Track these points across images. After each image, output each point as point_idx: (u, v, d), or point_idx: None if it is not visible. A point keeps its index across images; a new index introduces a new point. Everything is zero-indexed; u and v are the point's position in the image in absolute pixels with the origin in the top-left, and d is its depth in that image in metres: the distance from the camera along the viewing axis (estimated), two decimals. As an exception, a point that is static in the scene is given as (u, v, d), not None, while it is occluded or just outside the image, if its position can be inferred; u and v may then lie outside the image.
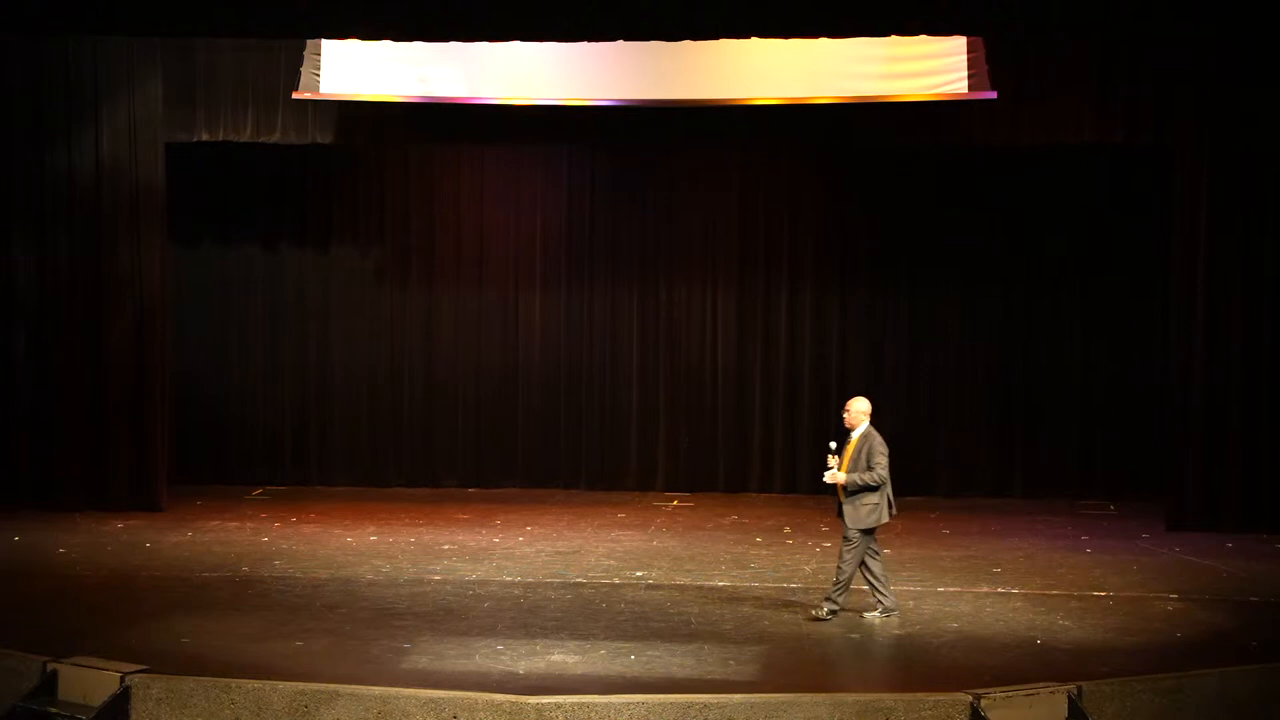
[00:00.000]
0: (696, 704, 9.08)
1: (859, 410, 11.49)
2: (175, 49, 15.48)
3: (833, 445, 11.41)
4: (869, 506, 11.30)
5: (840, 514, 11.42)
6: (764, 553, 13.97)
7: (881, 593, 11.46)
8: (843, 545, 11.42)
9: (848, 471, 11.29)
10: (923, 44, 14.55)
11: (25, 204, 15.87)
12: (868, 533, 11.34)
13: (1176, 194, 15.11)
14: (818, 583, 12.64)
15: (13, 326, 15.95)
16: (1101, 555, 13.93)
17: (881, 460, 11.28)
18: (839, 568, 11.42)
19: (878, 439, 11.38)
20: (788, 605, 11.86)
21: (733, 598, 12.12)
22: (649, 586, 12.55)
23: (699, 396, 17.58)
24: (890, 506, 11.39)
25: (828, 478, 11.33)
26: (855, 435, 11.42)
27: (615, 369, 17.77)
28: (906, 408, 17.34)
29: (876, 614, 11.41)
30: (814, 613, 11.41)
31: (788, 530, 15.09)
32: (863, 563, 11.42)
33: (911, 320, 17.40)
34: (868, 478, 11.25)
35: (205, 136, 15.72)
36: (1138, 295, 16.90)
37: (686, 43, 13.88)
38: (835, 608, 11.40)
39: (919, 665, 10.21)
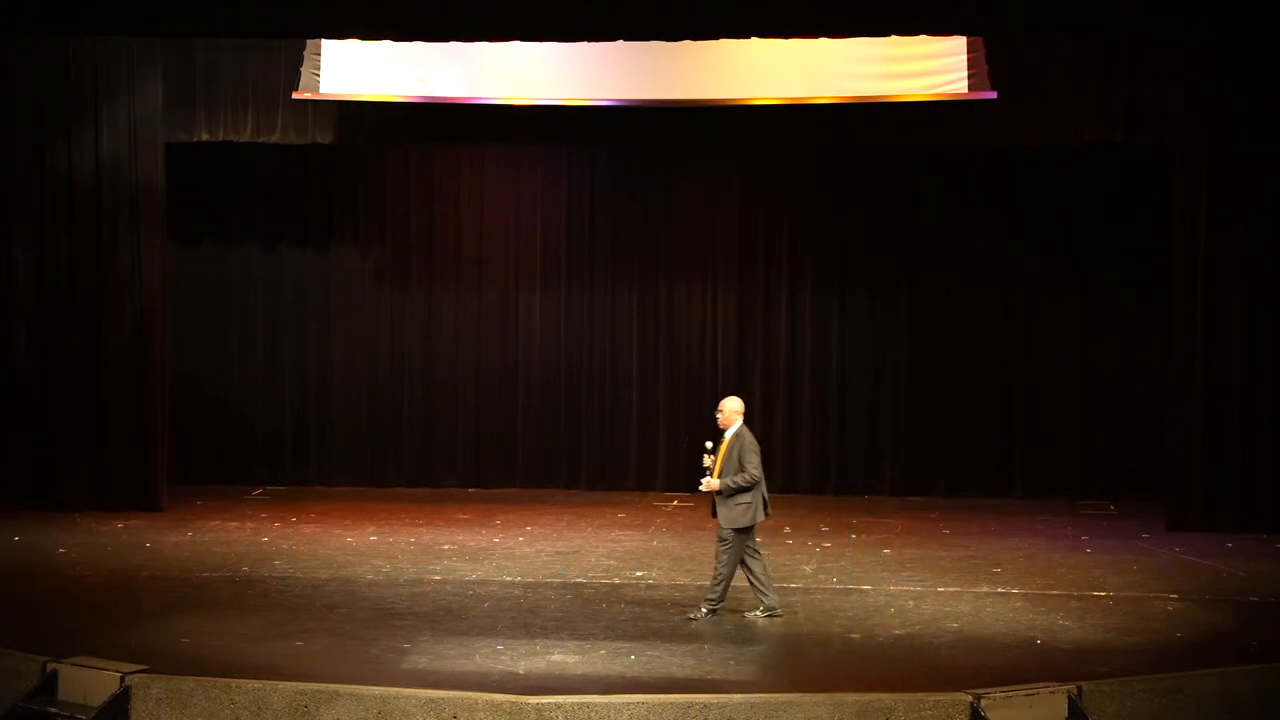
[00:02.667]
0: (696, 704, 9.08)
1: (732, 410, 11.51)
2: (175, 49, 15.48)
3: (709, 445, 11.40)
4: (742, 506, 11.33)
5: (715, 514, 11.44)
6: (764, 553, 13.90)
7: (763, 592, 11.48)
8: (718, 546, 11.42)
9: (721, 472, 11.31)
10: (923, 44, 14.55)
11: (25, 204, 15.87)
12: (742, 532, 11.36)
13: (1176, 194, 15.11)
14: (818, 582, 12.66)
15: (13, 326, 15.95)
16: (1101, 555, 13.94)
17: (753, 459, 11.32)
18: (716, 568, 11.45)
19: (749, 438, 11.42)
20: (787, 605, 11.85)
21: (733, 598, 12.09)
22: (649, 586, 12.55)
23: (699, 397, 17.54)
24: (765, 505, 11.44)
25: (703, 487, 11.33)
26: (728, 435, 11.43)
27: (615, 369, 17.78)
28: (906, 408, 17.37)
29: (759, 613, 11.42)
30: (691, 615, 11.41)
31: (788, 530, 15.08)
32: (743, 562, 11.44)
33: (911, 320, 17.40)
34: (739, 479, 11.28)
35: (205, 136, 15.71)
36: (1138, 295, 16.91)
37: (686, 43, 13.88)
38: (714, 607, 11.43)
39: (919, 665, 10.21)
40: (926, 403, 17.38)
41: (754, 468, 11.31)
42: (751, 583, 11.50)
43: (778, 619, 11.38)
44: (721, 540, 11.41)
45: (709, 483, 11.30)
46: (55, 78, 15.71)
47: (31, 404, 15.90)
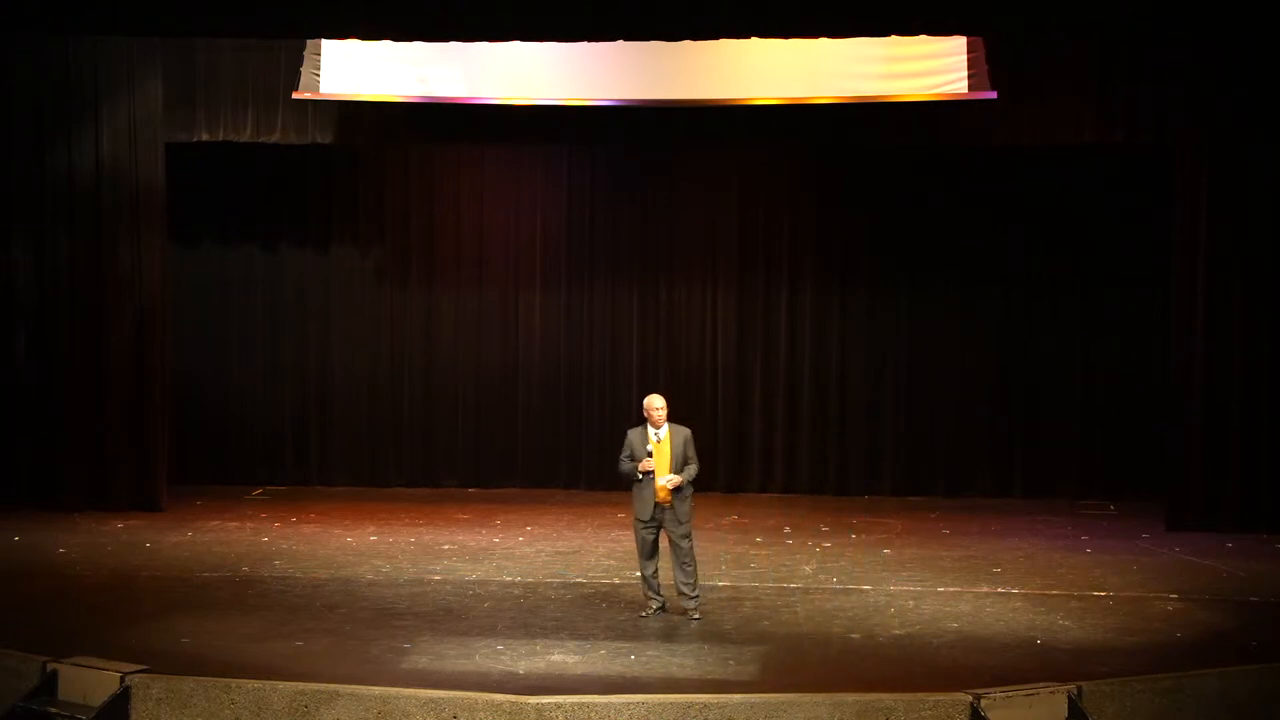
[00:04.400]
0: (696, 704, 9.08)
1: (665, 406, 11.53)
2: (175, 49, 15.47)
3: (650, 447, 11.38)
4: (690, 501, 11.49)
5: (655, 512, 11.35)
6: (764, 553, 13.97)
7: (657, 593, 11.58)
8: (678, 541, 11.41)
9: (672, 470, 11.36)
10: (923, 44, 14.55)
11: (25, 204, 15.86)
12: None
13: (1176, 194, 15.11)
14: (818, 582, 12.67)
15: (13, 326, 15.94)
16: (1101, 555, 13.94)
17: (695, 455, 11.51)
18: (686, 567, 11.47)
19: (689, 432, 11.53)
20: (787, 605, 11.87)
21: (733, 598, 12.12)
22: (649, 586, 12.56)
23: (699, 396, 17.56)
24: None
25: (669, 483, 11.29)
26: (665, 432, 11.45)
27: (615, 369, 17.76)
28: (906, 408, 17.36)
29: (651, 611, 11.52)
30: (694, 616, 11.43)
31: (788, 530, 15.09)
32: (648, 556, 11.48)
33: (911, 320, 17.39)
34: (692, 474, 11.42)
35: (205, 136, 15.71)
36: (1138, 295, 16.90)
37: (686, 43, 13.88)
38: (697, 601, 11.54)
39: (919, 665, 10.22)
40: (926, 403, 17.37)
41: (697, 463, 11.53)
42: (651, 580, 11.55)
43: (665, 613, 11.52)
44: (680, 541, 11.39)
45: (674, 479, 11.32)
46: (55, 78, 15.70)
47: (31, 404, 15.89)
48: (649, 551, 11.51)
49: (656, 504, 11.38)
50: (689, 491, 11.49)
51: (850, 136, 15.68)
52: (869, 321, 17.47)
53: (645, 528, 11.45)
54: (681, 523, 11.42)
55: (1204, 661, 10.09)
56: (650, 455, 11.35)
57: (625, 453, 11.50)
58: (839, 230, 17.45)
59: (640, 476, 11.36)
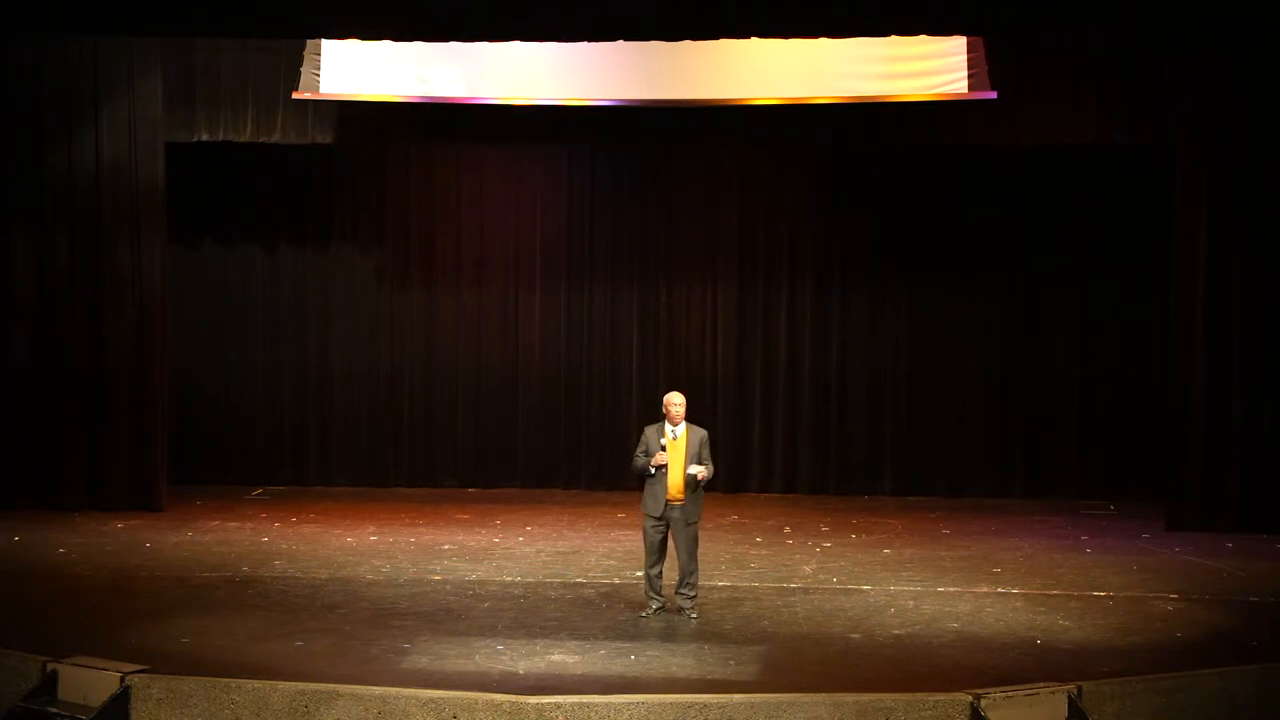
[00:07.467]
0: (696, 704, 9.08)
1: (684, 405, 11.55)
2: (175, 49, 15.47)
3: (663, 443, 11.41)
4: (701, 501, 11.55)
5: (664, 510, 11.35)
6: (764, 553, 13.97)
7: (657, 595, 11.58)
8: (684, 540, 11.43)
9: (688, 465, 11.38)
10: (923, 44, 14.55)
11: (25, 204, 15.86)
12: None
13: (1176, 194, 15.11)
14: (818, 582, 12.67)
15: (13, 326, 15.94)
16: (1101, 555, 13.94)
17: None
18: (689, 564, 11.50)
19: (705, 434, 11.55)
20: (787, 605, 11.87)
21: (733, 598, 12.12)
22: (649, 586, 12.55)
23: (699, 396, 17.47)
24: None
25: (696, 473, 11.31)
26: (681, 431, 11.47)
27: (615, 369, 17.76)
28: (906, 407, 17.36)
29: (652, 610, 11.54)
30: (692, 615, 11.45)
31: (788, 530, 15.09)
32: (660, 555, 11.51)
33: (911, 320, 17.40)
34: (707, 474, 11.45)
35: (205, 136, 15.71)
36: (1138, 295, 16.91)
37: (686, 43, 13.88)
38: (694, 600, 11.56)
39: (919, 665, 10.22)
40: (926, 403, 17.38)
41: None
42: (655, 581, 11.56)
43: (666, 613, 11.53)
44: (682, 532, 11.40)
45: (697, 469, 11.33)
46: (55, 78, 15.69)
47: (31, 404, 15.88)
48: (657, 552, 11.51)
49: (668, 501, 11.37)
50: (700, 493, 11.49)
51: (850, 136, 15.68)
52: (869, 321, 17.48)
53: (655, 525, 11.45)
54: (690, 523, 11.44)
55: (1204, 661, 10.09)
56: (664, 450, 11.33)
57: (641, 449, 11.52)
58: (839, 230, 17.46)
59: (653, 471, 11.35)
